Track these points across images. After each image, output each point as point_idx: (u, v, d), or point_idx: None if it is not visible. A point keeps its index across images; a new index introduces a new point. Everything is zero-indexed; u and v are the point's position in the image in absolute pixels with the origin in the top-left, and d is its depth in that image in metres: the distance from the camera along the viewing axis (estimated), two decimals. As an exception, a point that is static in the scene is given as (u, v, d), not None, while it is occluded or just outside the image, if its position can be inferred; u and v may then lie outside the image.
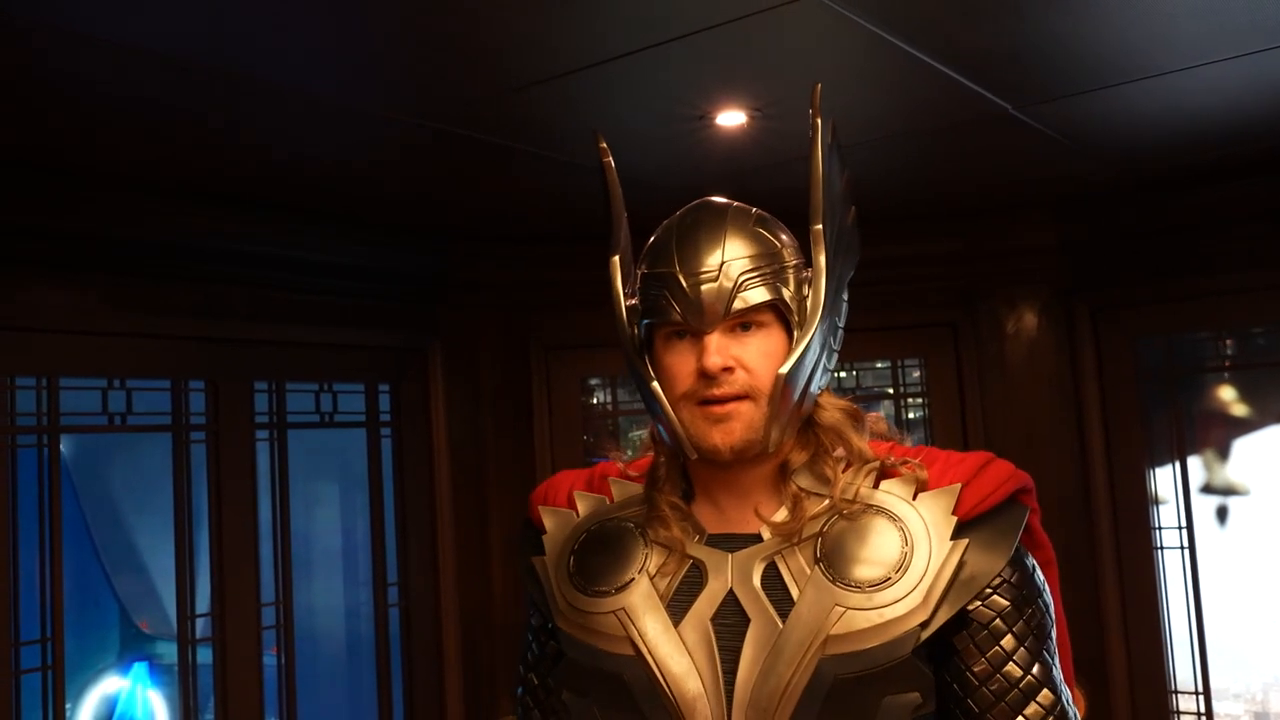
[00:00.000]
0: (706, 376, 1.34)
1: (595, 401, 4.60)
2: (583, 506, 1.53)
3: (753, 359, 1.36)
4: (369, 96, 2.58)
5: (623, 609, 1.38)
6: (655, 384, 1.38)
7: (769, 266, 1.37)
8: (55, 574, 3.07)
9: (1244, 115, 3.01)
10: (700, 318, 1.35)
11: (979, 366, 4.14)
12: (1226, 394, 4.12)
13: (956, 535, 1.36)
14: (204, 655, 3.47)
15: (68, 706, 3.24)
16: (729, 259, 1.36)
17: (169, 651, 4.28)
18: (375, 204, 3.60)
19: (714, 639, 1.34)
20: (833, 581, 1.33)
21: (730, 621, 1.35)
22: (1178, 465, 3.99)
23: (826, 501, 1.39)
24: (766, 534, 1.39)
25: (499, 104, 2.64)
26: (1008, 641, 1.35)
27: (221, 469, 3.49)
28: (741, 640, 1.33)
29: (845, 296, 1.47)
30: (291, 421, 3.78)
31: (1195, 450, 4.05)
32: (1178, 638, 3.95)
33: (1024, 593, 1.37)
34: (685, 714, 1.32)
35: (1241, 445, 4.08)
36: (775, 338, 1.38)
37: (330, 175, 3.24)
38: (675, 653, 1.34)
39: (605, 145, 1.49)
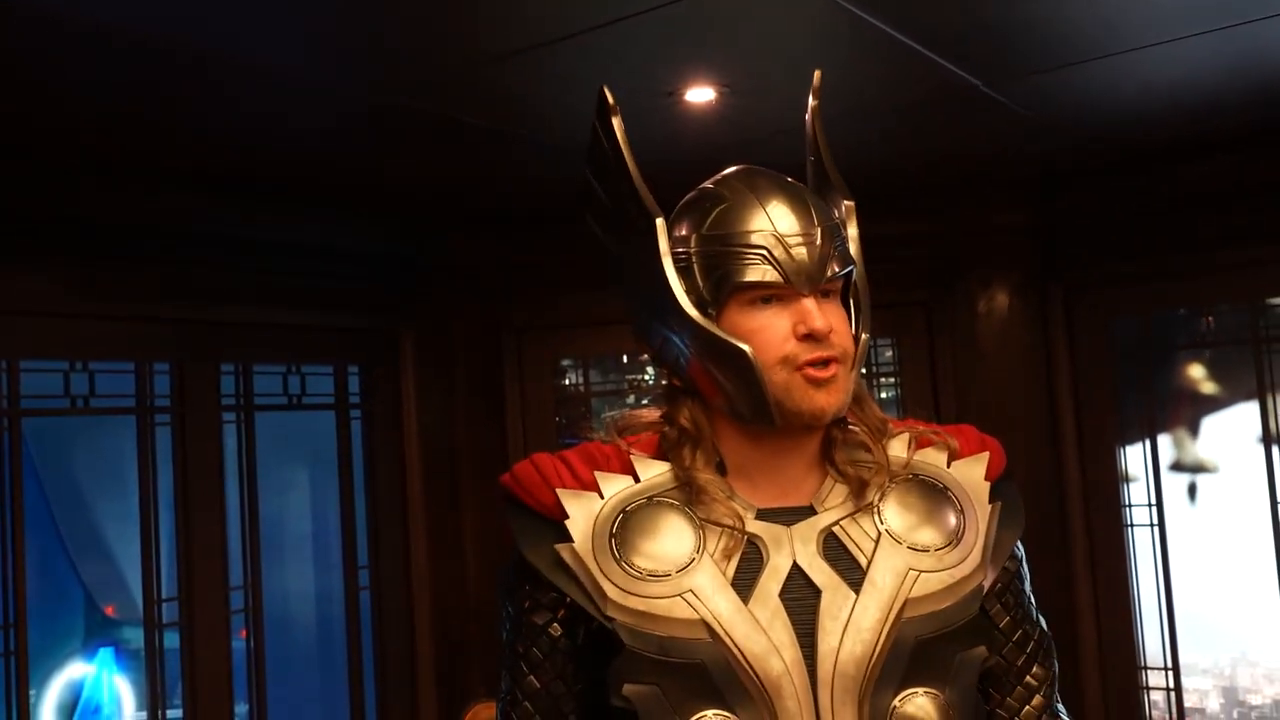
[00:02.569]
0: (813, 339, 1.34)
1: (568, 383, 4.58)
2: (607, 487, 1.42)
3: (837, 324, 1.37)
4: (335, 74, 2.54)
5: (690, 591, 1.33)
6: (749, 348, 1.34)
7: (843, 236, 1.41)
8: (18, 559, 3.03)
9: (1214, 92, 3.02)
10: (804, 280, 1.34)
11: (951, 346, 4.14)
12: (1196, 372, 4.14)
13: (991, 499, 1.44)
14: (171, 640, 3.43)
15: (31, 693, 3.21)
16: (820, 225, 1.37)
17: (135, 637, 4.24)
18: (344, 184, 3.55)
19: (786, 615, 1.33)
20: (901, 546, 1.37)
21: (798, 595, 1.34)
22: (1148, 443, 4.01)
23: (873, 470, 1.42)
24: (820, 505, 1.40)
25: (466, 80, 2.61)
26: (1023, 599, 1.47)
27: (187, 452, 3.45)
28: (812, 613, 1.33)
29: None
30: (259, 404, 3.74)
31: (1165, 428, 4.07)
32: (1147, 614, 3.98)
33: (1020, 553, 1.50)
34: (770, 693, 1.30)
35: (1211, 423, 4.10)
36: (840, 305, 1.41)
37: (298, 155, 3.20)
38: (753, 631, 1.31)
39: (614, 103, 1.41)
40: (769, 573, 1.35)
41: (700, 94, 2.74)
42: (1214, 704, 4.41)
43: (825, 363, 1.34)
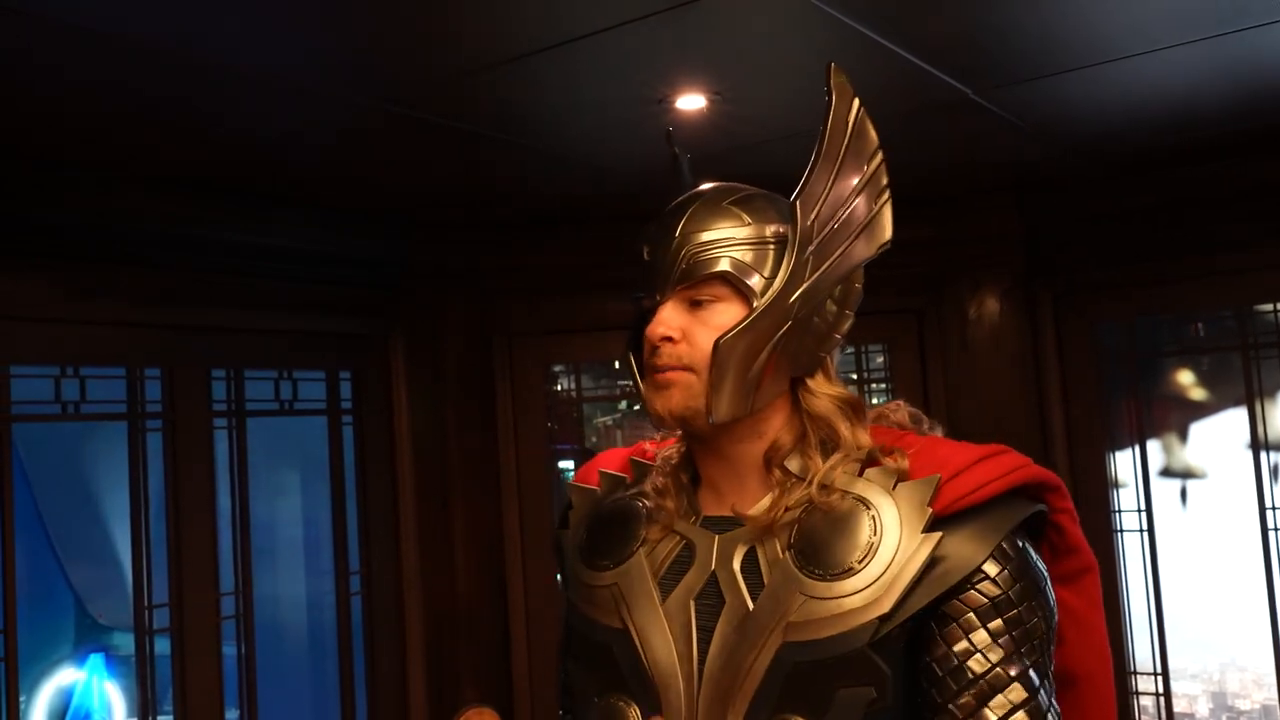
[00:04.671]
0: (652, 345, 1.39)
1: (559, 388, 4.58)
2: (605, 485, 1.58)
3: (700, 332, 1.37)
4: (328, 80, 2.54)
5: (616, 584, 1.43)
6: (630, 353, 1.44)
7: (729, 241, 1.38)
8: (8, 565, 3.01)
9: (1201, 99, 3.03)
10: (651, 288, 1.41)
11: (942, 352, 4.15)
12: (1185, 378, 4.16)
13: (932, 528, 1.31)
14: (162, 646, 3.42)
15: (21, 699, 3.20)
16: (685, 232, 1.40)
17: (126, 643, 4.23)
18: (335, 189, 3.55)
19: (694, 618, 1.37)
20: (800, 569, 1.33)
21: (710, 602, 1.37)
22: (1137, 449, 4.02)
23: (799, 487, 1.39)
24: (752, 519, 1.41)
25: (458, 87, 2.61)
26: (979, 636, 1.29)
27: (179, 458, 3.45)
28: (717, 621, 1.36)
29: (859, 283, 1.45)
30: (250, 409, 3.73)
31: (1155, 434, 4.09)
32: (1137, 619, 3.99)
33: (1008, 593, 1.30)
34: (660, 689, 1.36)
35: (1200, 429, 4.12)
36: (731, 313, 1.38)
37: (290, 159, 3.20)
38: (657, 629, 1.38)
39: (672, 141, 1.56)
40: (690, 576, 1.40)
41: (691, 101, 2.75)
42: (1203, 709, 4.42)
43: (662, 369, 1.38)
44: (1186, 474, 4.09)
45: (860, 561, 1.31)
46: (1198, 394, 4.15)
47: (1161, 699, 3.94)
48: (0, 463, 3.05)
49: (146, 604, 3.39)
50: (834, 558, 1.32)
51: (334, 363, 4.02)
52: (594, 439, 4.67)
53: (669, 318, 1.38)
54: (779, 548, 1.36)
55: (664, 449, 1.56)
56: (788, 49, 2.46)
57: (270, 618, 3.98)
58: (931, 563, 1.30)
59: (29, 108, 2.59)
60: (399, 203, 3.80)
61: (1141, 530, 3.98)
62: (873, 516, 1.34)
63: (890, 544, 1.31)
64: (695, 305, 1.39)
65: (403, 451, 4.10)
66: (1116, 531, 4.02)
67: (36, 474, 4.47)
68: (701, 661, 1.35)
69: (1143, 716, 3.99)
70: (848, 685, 1.28)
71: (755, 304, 1.36)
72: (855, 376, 4.40)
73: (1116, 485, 4.06)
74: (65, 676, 4.88)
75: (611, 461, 1.63)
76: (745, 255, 1.38)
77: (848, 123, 1.42)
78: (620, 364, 1.44)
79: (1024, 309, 4.07)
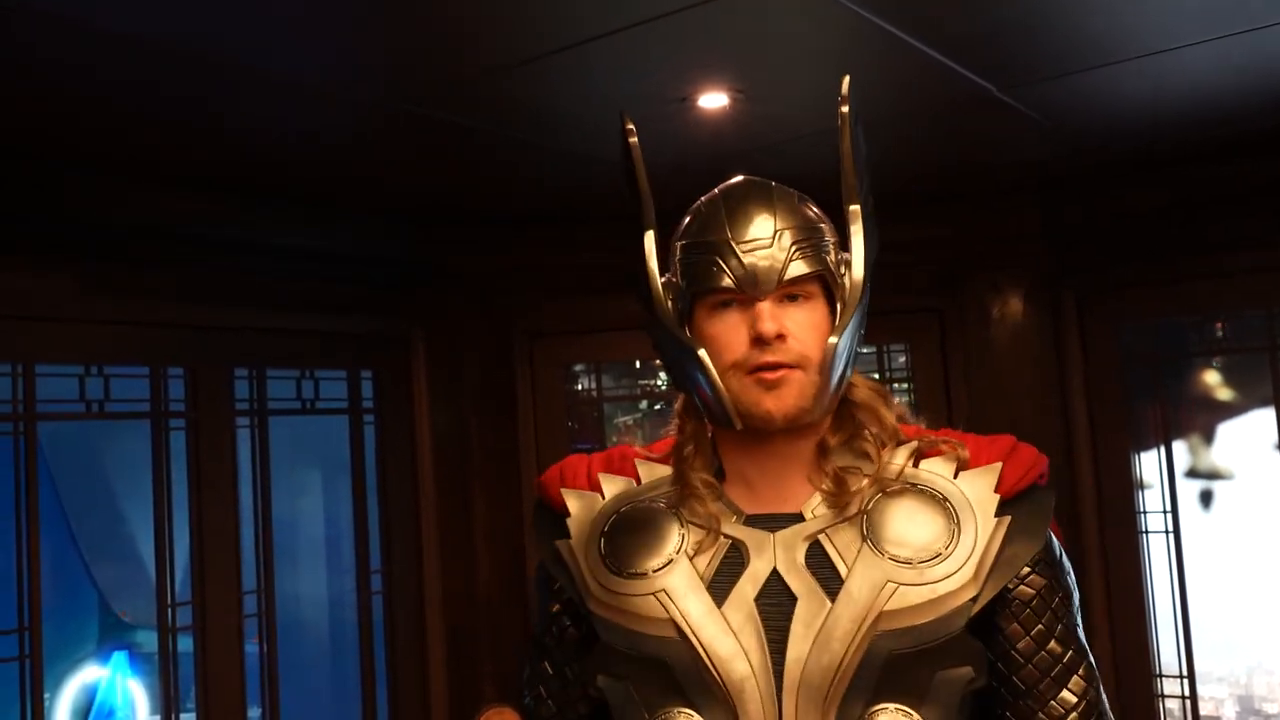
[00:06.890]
0: (761, 343, 1.34)
1: (580, 388, 4.58)
2: (609, 488, 1.50)
3: (800, 329, 1.36)
4: (348, 80, 2.55)
5: (663, 590, 1.36)
6: (703, 351, 1.37)
7: (815, 239, 1.39)
8: (33, 563, 3.03)
9: (1227, 96, 3.00)
10: (754, 285, 1.36)
11: (964, 352, 4.13)
12: (1211, 378, 4.12)
13: (999, 513, 1.38)
14: (185, 644, 3.44)
15: (46, 696, 3.23)
16: (782, 228, 1.37)
17: (149, 640, 4.25)
18: (355, 189, 3.56)
19: (759, 620, 1.33)
20: (883, 558, 1.33)
21: (775, 601, 1.34)
22: (1162, 450, 3.98)
23: (867, 480, 1.39)
24: (809, 513, 1.39)
25: (479, 87, 2.61)
26: (1049, 619, 1.38)
27: (201, 456, 3.46)
28: (788, 620, 1.33)
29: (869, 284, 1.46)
30: (273, 408, 3.75)
31: (1180, 435, 4.05)
32: (1162, 622, 3.96)
33: (1055, 571, 1.41)
34: (733, 696, 1.31)
35: (1226, 429, 4.08)
36: (820, 310, 1.39)
37: (310, 160, 3.21)
38: (721, 634, 1.33)
39: (631, 125, 1.49)
40: (747, 577, 1.36)
41: (713, 99, 2.74)
42: (1230, 712, 4.39)
43: (773, 367, 1.35)
44: (1213, 475, 4.05)
45: (946, 547, 1.34)
46: (1224, 394, 4.11)
47: (1187, 701, 3.90)
48: (26, 461, 3.07)
49: (169, 602, 3.42)
50: (918, 546, 1.34)
51: (355, 362, 4.03)
52: (614, 438, 4.67)
53: (775, 314, 1.35)
54: (850, 539, 1.35)
55: (657, 450, 1.52)
56: (810, 46, 2.45)
57: (292, 616, 4.00)
58: (1002, 546, 1.36)
59: (56, 109, 2.61)
60: (419, 203, 3.81)
61: (1167, 531, 3.94)
62: (945, 504, 1.37)
63: (969, 529, 1.36)
64: (790, 300, 1.37)
65: (423, 451, 4.11)
66: (1142, 533, 3.98)
67: (61, 473, 4.51)
68: (777, 664, 1.31)
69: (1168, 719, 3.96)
70: (946, 668, 1.32)
71: (842, 301, 1.39)
72: (877, 376, 4.38)
73: (1142, 486, 4.02)
74: (89, 674, 4.92)
75: (589, 465, 1.54)
76: (829, 252, 1.39)
77: (856, 135, 1.45)
78: (686, 367, 1.42)
79: (1047, 308, 4.04)
